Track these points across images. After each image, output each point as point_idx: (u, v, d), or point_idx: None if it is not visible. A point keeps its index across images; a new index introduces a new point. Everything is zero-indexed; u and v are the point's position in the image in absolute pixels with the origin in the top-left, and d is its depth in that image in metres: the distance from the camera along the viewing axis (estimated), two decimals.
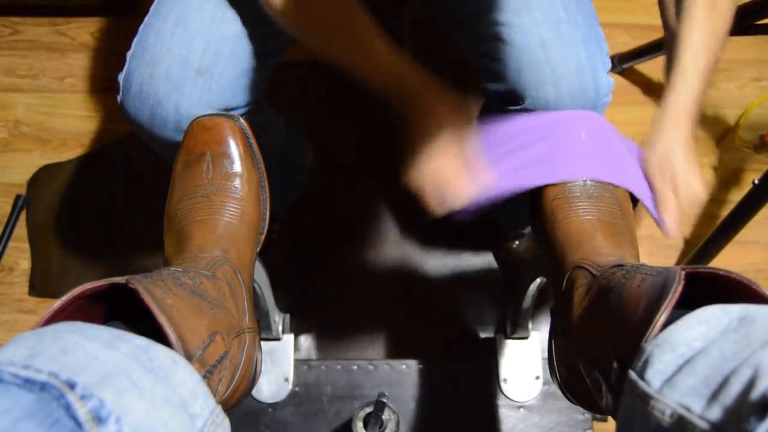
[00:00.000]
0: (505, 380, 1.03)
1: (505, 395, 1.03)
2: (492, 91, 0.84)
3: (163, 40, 0.80)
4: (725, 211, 1.24)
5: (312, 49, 0.76)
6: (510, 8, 0.79)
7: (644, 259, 1.19)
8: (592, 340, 0.54)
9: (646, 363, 0.40)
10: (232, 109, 0.83)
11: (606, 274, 0.56)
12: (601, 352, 0.51)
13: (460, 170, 0.71)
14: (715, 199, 1.44)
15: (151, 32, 0.81)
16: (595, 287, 0.57)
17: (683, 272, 0.46)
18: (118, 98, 0.82)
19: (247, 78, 0.83)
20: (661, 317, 0.43)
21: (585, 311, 0.57)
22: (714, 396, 0.35)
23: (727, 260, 1.31)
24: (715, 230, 1.23)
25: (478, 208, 0.71)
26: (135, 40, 0.82)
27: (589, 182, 0.68)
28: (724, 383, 0.35)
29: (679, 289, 0.44)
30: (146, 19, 0.83)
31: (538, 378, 1.03)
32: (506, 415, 1.03)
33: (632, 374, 0.41)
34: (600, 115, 0.76)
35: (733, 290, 0.45)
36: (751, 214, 1.16)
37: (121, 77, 0.82)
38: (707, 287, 0.47)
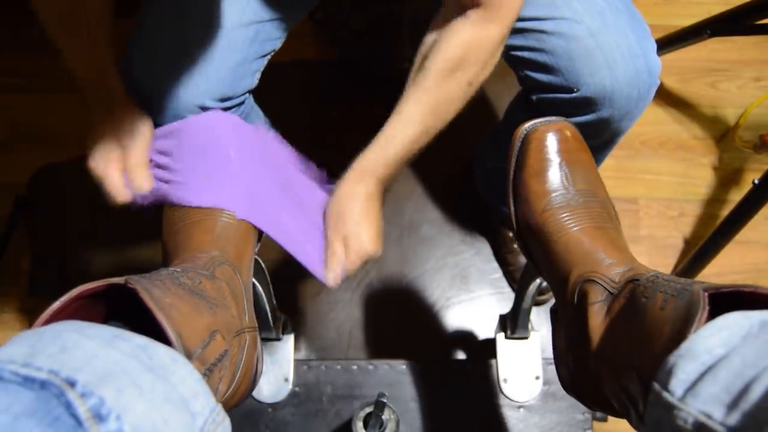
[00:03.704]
0: (505, 380, 1.03)
1: (505, 395, 1.03)
2: (540, 82, 0.85)
3: (161, 28, 0.80)
4: (725, 211, 1.24)
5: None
6: (546, 3, 0.80)
7: (644, 260, 1.19)
8: (614, 357, 0.54)
9: (669, 373, 0.41)
10: (228, 98, 0.83)
11: (624, 293, 0.56)
12: (625, 370, 0.51)
13: (117, 168, 0.75)
14: (715, 199, 1.44)
15: (149, 20, 0.82)
16: (615, 307, 0.56)
17: (706, 294, 0.45)
18: None
19: (243, 68, 0.84)
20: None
21: (606, 330, 0.57)
22: (734, 403, 0.36)
23: (727, 260, 1.31)
24: (715, 230, 1.23)
25: (146, 202, 0.77)
26: (134, 28, 0.83)
27: (575, 189, 0.68)
28: (744, 390, 0.36)
29: (705, 315, 0.44)
30: (144, 7, 0.83)
31: (538, 378, 1.03)
32: (506, 415, 1.02)
33: (656, 385, 0.42)
34: (258, 131, 0.79)
35: (757, 303, 0.45)
36: (751, 214, 1.16)
37: (120, 65, 0.83)
38: (729, 297, 0.46)
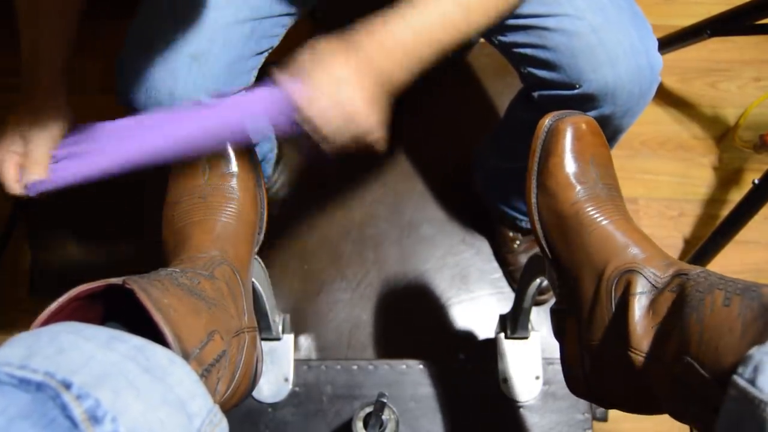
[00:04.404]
0: (505, 380, 1.03)
1: (505, 395, 1.03)
2: (542, 79, 0.84)
3: (158, 24, 0.80)
4: (725, 211, 1.24)
5: None
6: (548, 0, 0.79)
7: None
8: (664, 350, 0.54)
9: (756, 370, 0.40)
10: (225, 95, 0.83)
11: (671, 286, 0.56)
12: (679, 362, 0.51)
13: (13, 161, 0.73)
14: (715, 199, 1.44)
15: (146, 16, 0.82)
16: (662, 300, 0.56)
17: None
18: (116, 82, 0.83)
19: (240, 65, 0.84)
20: None
21: (654, 322, 0.56)
22: None
23: (727, 260, 1.31)
24: (715, 230, 1.23)
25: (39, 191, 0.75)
26: (131, 25, 0.83)
27: (599, 183, 0.68)
28: None
29: None
30: (141, 4, 0.83)
31: (538, 378, 1.03)
32: (506, 415, 1.02)
33: (741, 381, 0.41)
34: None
35: None
36: (751, 214, 1.15)
37: (117, 63, 0.83)
38: None
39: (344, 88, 0.62)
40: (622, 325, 0.59)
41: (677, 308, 0.54)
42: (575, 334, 0.66)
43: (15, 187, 0.73)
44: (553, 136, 0.69)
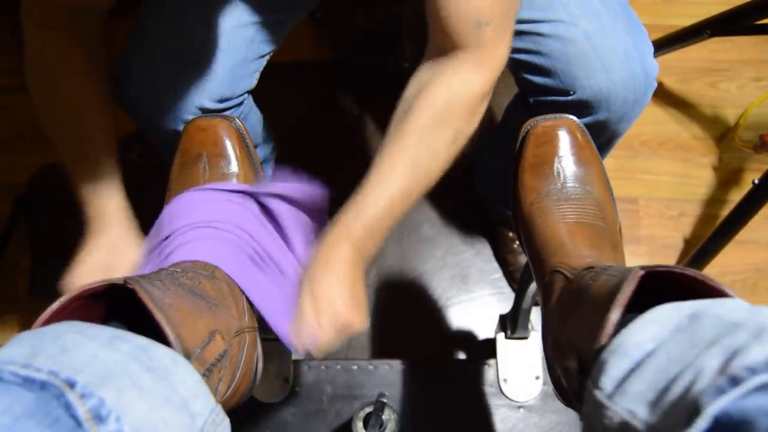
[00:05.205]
0: (505, 380, 1.03)
1: (505, 395, 1.03)
2: (537, 85, 0.85)
3: (161, 28, 0.80)
4: (725, 211, 1.24)
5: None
6: (543, 6, 0.79)
7: (644, 260, 1.19)
8: (563, 344, 0.54)
9: (600, 370, 0.40)
10: (227, 99, 0.83)
11: (577, 277, 0.56)
12: (567, 351, 0.51)
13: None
14: (715, 199, 1.44)
15: (149, 20, 0.82)
16: (566, 292, 0.57)
17: (640, 272, 0.45)
18: (117, 88, 0.83)
19: (243, 68, 0.84)
20: (611, 316, 0.43)
21: (557, 316, 0.57)
22: (657, 400, 0.35)
23: (727, 260, 1.31)
24: (715, 230, 1.23)
25: None
26: (133, 28, 0.82)
27: (568, 184, 0.68)
28: (667, 387, 0.35)
29: (630, 288, 0.44)
30: (144, 7, 0.83)
31: (538, 378, 1.03)
32: (506, 415, 1.02)
33: (589, 383, 0.41)
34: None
35: (699, 289, 0.45)
36: (751, 214, 1.16)
37: (119, 66, 0.82)
38: (680, 290, 0.46)
39: (342, 314, 0.65)
40: (544, 324, 0.60)
41: (574, 298, 0.54)
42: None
43: None
44: (526, 141, 0.71)
